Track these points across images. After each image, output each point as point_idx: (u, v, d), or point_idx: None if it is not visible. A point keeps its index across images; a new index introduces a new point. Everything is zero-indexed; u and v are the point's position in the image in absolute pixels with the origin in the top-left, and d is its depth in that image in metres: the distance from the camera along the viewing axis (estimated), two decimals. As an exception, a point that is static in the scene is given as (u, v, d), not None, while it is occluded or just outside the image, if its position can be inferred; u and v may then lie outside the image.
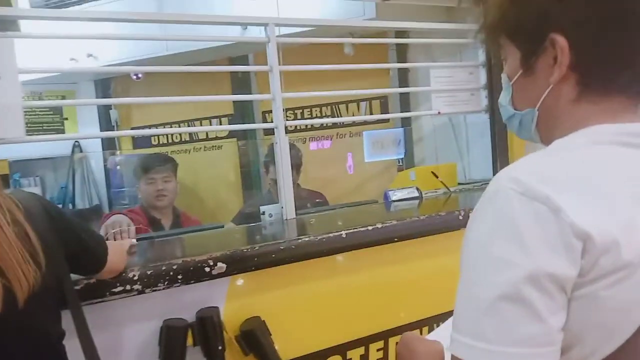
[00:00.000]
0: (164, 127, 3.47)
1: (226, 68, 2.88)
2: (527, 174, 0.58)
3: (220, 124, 3.32)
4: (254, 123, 3.21)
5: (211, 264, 1.40)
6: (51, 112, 3.52)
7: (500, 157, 2.33)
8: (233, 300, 1.48)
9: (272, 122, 1.93)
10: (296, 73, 2.04)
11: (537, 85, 0.67)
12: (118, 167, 3.37)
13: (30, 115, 3.44)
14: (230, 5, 2.58)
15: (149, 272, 1.32)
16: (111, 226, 1.67)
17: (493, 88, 2.28)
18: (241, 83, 3.33)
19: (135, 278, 1.31)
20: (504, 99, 0.75)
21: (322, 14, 2.60)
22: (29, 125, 3.65)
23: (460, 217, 1.78)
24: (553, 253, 0.54)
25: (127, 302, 1.34)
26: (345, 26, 2.45)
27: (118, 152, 3.52)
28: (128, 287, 1.30)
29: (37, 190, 3.45)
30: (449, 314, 0.63)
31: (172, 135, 3.41)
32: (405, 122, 2.75)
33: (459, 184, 2.35)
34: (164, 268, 1.35)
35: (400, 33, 2.56)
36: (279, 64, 1.87)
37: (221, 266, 1.41)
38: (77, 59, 3.00)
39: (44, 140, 2.31)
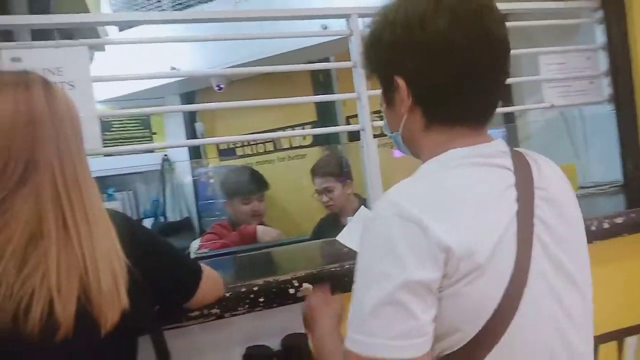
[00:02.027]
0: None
1: (306, 66, 2.74)
2: (402, 198, 0.72)
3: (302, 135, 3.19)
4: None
5: (295, 284, 1.23)
6: (141, 127, 3.60)
7: (631, 153, 1.96)
8: (322, 325, 1.30)
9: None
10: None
11: (397, 114, 0.83)
12: (205, 179, 3.35)
13: (120, 130, 3.54)
14: (308, 2, 2.44)
15: (227, 295, 1.18)
16: None
17: (618, 73, 1.93)
18: (323, 87, 3.18)
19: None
20: (383, 121, 0.92)
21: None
22: (120, 140, 3.81)
23: (593, 228, 1.48)
24: (422, 264, 0.68)
25: (205, 328, 1.21)
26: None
27: (205, 164, 3.52)
28: (206, 311, 1.16)
29: (131, 204, 3.53)
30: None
31: (256, 145, 3.34)
32: (508, 119, 2.44)
33: (580, 187, 2.01)
34: (243, 290, 1.20)
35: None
36: (365, 59, 1.68)
37: (307, 287, 1.23)
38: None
39: (123, 154, 2.28)
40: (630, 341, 1.60)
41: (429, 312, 0.69)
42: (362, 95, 1.72)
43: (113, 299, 0.81)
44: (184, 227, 3.28)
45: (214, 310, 1.17)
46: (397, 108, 0.82)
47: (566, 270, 0.78)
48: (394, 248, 0.68)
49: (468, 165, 0.76)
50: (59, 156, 0.81)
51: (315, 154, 3.19)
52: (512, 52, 0.81)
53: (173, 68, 3.09)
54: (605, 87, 1.98)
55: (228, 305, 1.18)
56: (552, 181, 0.82)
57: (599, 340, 1.53)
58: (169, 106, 3.38)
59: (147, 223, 3.43)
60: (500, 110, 2.46)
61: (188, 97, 3.54)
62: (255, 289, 1.21)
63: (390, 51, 0.79)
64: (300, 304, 1.21)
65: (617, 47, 1.94)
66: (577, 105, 2.00)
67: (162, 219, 3.48)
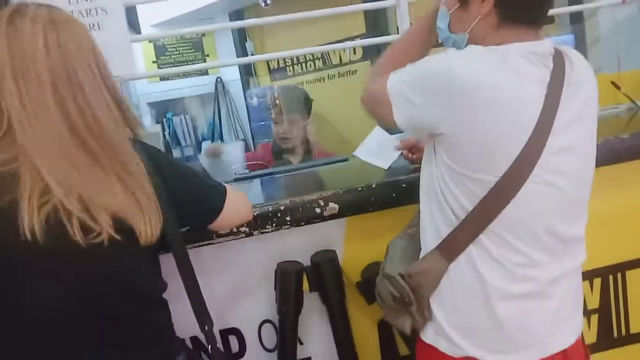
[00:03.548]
0: (299, 56, 3.34)
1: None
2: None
3: (354, 47, 3.06)
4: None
5: (322, 204, 1.23)
6: (193, 50, 3.62)
7: None
8: (353, 243, 1.31)
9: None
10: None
11: (469, 15, 0.94)
12: (257, 101, 3.35)
13: (174, 54, 3.58)
14: None
15: (255, 213, 1.20)
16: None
17: None
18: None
19: (241, 220, 1.20)
20: (442, 23, 1.02)
21: None
22: (175, 64, 3.86)
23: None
24: None
25: (236, 245, 1.25)
26: None
27: (257, 85, 3.51)
28: (235, 229, 1.19)
29: (189, 128, 3.63)
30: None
31: (306, 63, 3.27)
32: (576, 19, 2.18)
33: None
34: (270, 209, 1.22)
35: None
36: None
37: (333, 207, 1.23)
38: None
39: (172, 76, 2.30)
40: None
41: None
42: (401, 2, 1.60)
43: (151, 213, 0.86)
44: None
45: (242, 228, 1.20)
46: (473, 8, 0.92)
47: (575, 151, 0.93)
48: None
49: (521, 56, 0.88)
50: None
51: (366, 69, 3.08)
52: None
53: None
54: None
55: (256, 224, 1.21)
56: (581, 74, 0.95)
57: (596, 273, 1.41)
58: (214, 24, 3.32)
59: (204, 145, 3.54)
60: (566, 9, 2.22)
61: (237, 16, 3.47)
62: (282, 207, 1.22)
63: None
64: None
65: None
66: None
67: (219, 141, 3.56)
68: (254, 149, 3.32)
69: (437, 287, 0.97)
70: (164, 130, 3.57)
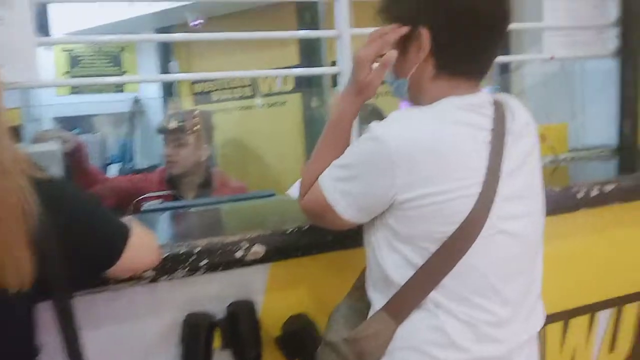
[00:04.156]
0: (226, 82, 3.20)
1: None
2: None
3: (285, 77, 2.96)
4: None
5: (245, 246, 1.07)
6: (112, 64, 3.35)
7: (630, 114, 1.79)
8: (274, 292, 1.16)
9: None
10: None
11: (408, 62, 0.93)
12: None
13: (89, 67, 3.29)
14: None
15: (164, 256, 1.02)
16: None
17: (630, 25, 1.73)
18: (309, 28, 2.93)
19: (146, 262, 1.01)
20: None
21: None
22: (89, 77, 3.56)
23: (580, 195, 1.33)
24: None
25: (139, 292, 1.05)
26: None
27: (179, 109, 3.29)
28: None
29: (97, 147, 3.33)
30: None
31: (232, 90, 3.12)
32: (503, 70, 2.24)
33: (570, 150, 1.84)
34: (183, 251, 1.04)
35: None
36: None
37: (257, 250, 1.08)
38: (133, 3, 2.75)
39: (83, 90, 2.06)
40: (602, 315, 1.48)
41: None
42: (343, 33, 1.52)
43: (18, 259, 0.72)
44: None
45: (147, 273, 1.01)
46: (412, 56, 0.91)
47: (525, 197, 0.91)
48: None
49: (458, 110, 0.86)
50: None
51: (296, 101, 2.99)
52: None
53: (144, -1, 2.83)
54: (612, 40, 1.79)
55: (165, 268, 1.02)
56: (521, 121, 0.93)
57: (570, 314, 1.41)
58: (136, 35, 3.01)
59: (114, 169, 3.25)
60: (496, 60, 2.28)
61: (164, 33, 3.26)
62: (198, 249, 1.05)
63: (423, 3, 0.89)
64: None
65: (630, -5, 1.73)
66: (579, 59, 1.81)
67: (129, 166, 3.29)
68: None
69: (385, 351, 0.86)
70: (67, 149, 3.22)
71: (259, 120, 3.07)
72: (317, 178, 0.93)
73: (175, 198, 1.88)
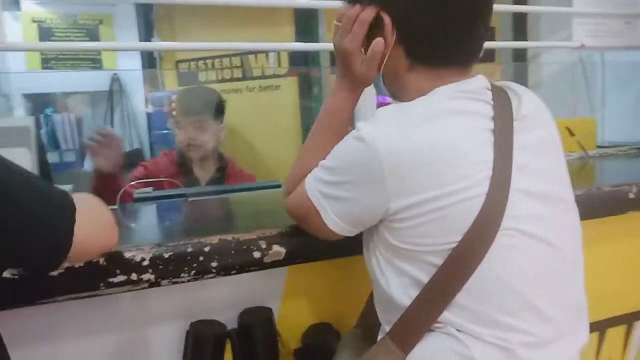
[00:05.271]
0: (213, 61, 2.98)
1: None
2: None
3: (280, 57, 2.76)
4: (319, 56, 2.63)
5: (263, 246, 0.90)
6: (87, 38, 3.09)
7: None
8: (293, 299, 1.01)
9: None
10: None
11: (382, 55, 0.80)
12: (160, 105, 2.91)
13: (64, 40, 3.02)
14: None
15: (166, 256, 0.85)
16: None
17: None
18: (306, 16, 2.74)
19: (146, 263, 0.84)
20: None
21: None
22: (63, 53, 3.30)
23: (630, 196, 1.20)
24: None
25: (133, 298, 0.88)
26: None
27: (160, 88, 3.08)
28: (134, 275, 0.83)
29: (72, 129, 3.08)
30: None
31: (222, 71, 2.91)
32: (518, 57, 2.10)
33: (598, 146, 1.73)
34: (190, 250, 0.87)
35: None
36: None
37: (277, 251, 0.91)
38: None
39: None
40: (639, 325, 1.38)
41: None
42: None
43: None
44: (132, 161, 2.87)
45: (146, 276, 0.84)
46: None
47: (548, 194, 0.76)
48: None
49: (449, 99, 0.74)
50: None
51: (290, 85, 2.80)
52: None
53: (126, -32, 2.60)
54: (641, 29, 1.68)
55: (167, 269, 0.85)
56: (532, 105, 0.80)
57: (607, 324, 1.31)
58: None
59: (90, 151, 3.01)
60: (512, 44, 2.14)
61: (144, 8, 3.03)
62: (207, 249, 0.88)
63: None
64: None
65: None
66: (610, 49, 1.69)
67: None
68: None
69: None
70: (39, 128, 2.97)
71: (251, 103, 2.87)
72: (305, 175, 0.81)
73: (187, 185, 1.69)
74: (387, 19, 0.77)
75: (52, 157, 2.98)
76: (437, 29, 0.76)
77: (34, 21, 2.95)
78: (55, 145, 3.05)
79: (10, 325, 0.71)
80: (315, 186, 0.78)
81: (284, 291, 1.00)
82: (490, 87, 0.78)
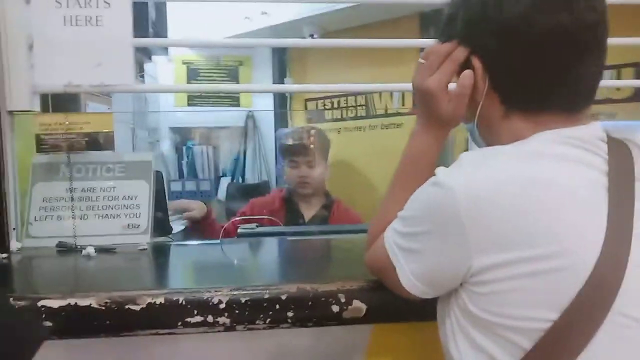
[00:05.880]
0: (339, 100, 3.05)
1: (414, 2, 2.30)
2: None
3: (404, 96, 2.72)
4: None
5: (342, 300, 0.84)
6: (228, 78, 3.38)
7: None
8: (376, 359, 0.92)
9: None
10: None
11: (474, 102, 0.73)
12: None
13: (207, 81, 3.35)
14: None
15: (243, 300, 0.83)
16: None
17: None
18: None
19: (222, 306, 0.82)
20: None
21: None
22: (207, 93, 3.64)
23: None
24: None
25: (208, 340, 0.87)
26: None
27: (289, 125, 3.22)
28: (210, 317, 0.82)
29: (210, 161, 3.35)
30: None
31: (347, 109, 2.96)
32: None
33: None
34: (267, 297, 0.83)
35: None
36: None
37: (358, 307, 0.84)
38: (251, 17, 2.73)
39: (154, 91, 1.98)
40: None
41: None
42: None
43: None
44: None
45: (221, 319, 0.82)
46: (473, 94, 0.72)
47: None
48: None
49: (556, 144, 0.63)
50: None
51: (412, 123, 2.73)
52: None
53: (264, 13, 2.80)
54: None
55: (243, 314, 0.83)
56: None
57: None
58: (251, 39, 2.78)
59: (224, 182, 3.25)
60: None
61: (279, 51, 3.24)
62: (284, 297, 0.84)
63: (467, 27, 0.71)
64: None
65: None
66: None
67: (240, 180, 3.26)
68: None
69: None
70: (181, 159, 3.30)
71: (372, 142, 2.85)
72: (384, 228, 0.74)
73: (290, 221, 1.75)
74: (477, 63, 0.70)
75: (189, 186, 3.28)
76: (534, 73, 0.66)
77: (184, 63, 3.32)
78: (194, 174, 3.34)
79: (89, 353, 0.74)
80: (392, 239, 0.70)
81: (367, 351, 0.92)
82: (605, 139, 0.66)
